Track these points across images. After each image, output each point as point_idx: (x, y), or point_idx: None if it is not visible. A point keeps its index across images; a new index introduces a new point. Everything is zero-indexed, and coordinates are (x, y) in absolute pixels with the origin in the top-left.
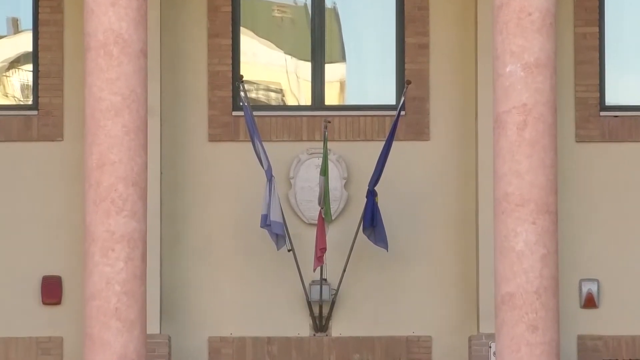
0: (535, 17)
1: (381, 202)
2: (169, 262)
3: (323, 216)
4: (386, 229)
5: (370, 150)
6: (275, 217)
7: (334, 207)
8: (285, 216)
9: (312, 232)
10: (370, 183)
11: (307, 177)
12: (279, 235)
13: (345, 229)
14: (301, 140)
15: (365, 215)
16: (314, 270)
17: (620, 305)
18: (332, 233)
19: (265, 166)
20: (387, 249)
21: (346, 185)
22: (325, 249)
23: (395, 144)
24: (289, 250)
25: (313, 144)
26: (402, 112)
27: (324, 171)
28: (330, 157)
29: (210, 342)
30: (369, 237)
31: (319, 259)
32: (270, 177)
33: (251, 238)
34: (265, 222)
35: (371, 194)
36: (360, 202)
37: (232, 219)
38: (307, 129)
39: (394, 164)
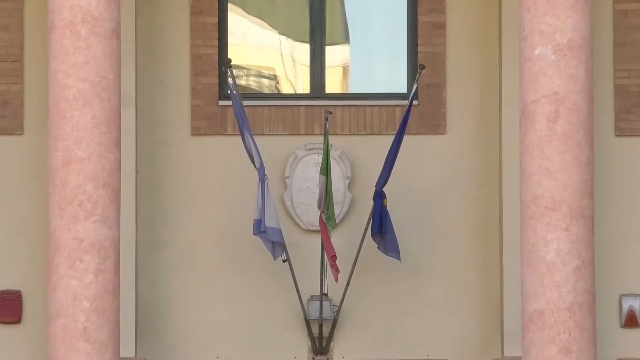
0: None
1: (391, 205)
2: (146, 275)
3: (325, 221)
4: (397, 235)
5: (378, 145)
6: (271, 222)
7: (337, 211)
8: (280, 221)
9: (311, 240)
10: (378, 183)
11: (305, 177)
12: (276, 243)
13: (349, 236)
14: (298, 134)
15: (372, 221)
16: (337, 280)
17: None
18: (334, 241)
19: (257, 164)
20: (399, 259)
21: (350, 186)
22: (335, 256)
23: (406, 139)
24: (284, 261)
25: (312, 139)
26: (415, 102)
27: (325, 170)
28: (332, 153)
29: None
30: (378, 246)
31: (335, 268)
32: (262, 177)
33: (241, 247)
34: (259, 228)
35: (379, 196)
36: (367, 205)
37: (219, 224)
38: (305, 120)
39: (406, 162)
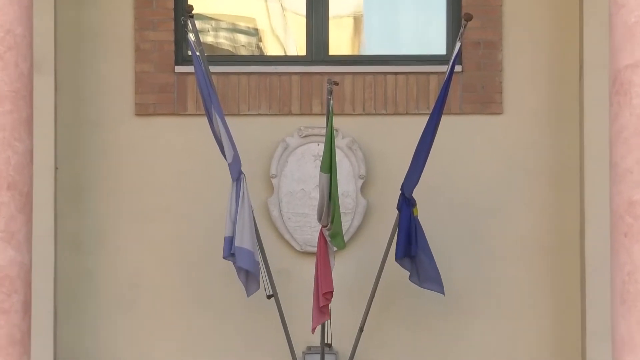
0: None
1: (423, 215)
2: (70, 317)
3: (328, 239)
4: (435, 257)
5: (405, 130)
6: (243, 241)
7: (345, 223)
8: (263, 240)
9: (308, 267)
10: (405, 185)
11: (300, 175)
12: (250, 273)
13: (362, 260)
14: (289, 113)
15: (398, 239)
16: (313, 330)
17: None
18: (341, 267)
19: (230, 157)
20: (442, 292)
21: (365, 189)
22: (331, 293)
23: (445, 121)
24: (269, 297)
25: (309, 120)
26: (458, 68)
27: (328, 166)
28: (338, 142)
29: None
30: (410, 276)
31: (322, 312)
32: (237, 176)
33: (208, 276)
34: (230, 249)
35: (407, 204)
36: (388, 215)
37: (175, 244)
38: (300, 95)
39: (444, 154)
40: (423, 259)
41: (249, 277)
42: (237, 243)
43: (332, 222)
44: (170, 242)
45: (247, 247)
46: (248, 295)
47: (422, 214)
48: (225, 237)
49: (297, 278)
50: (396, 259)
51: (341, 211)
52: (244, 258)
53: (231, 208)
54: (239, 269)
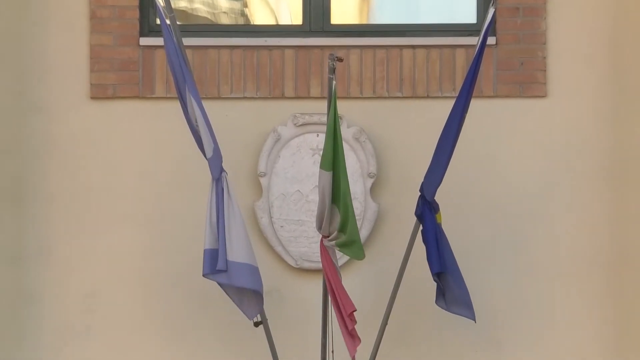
0: None
1: (448, 223)
2: (5, 346)
3: (335, 249)
4: (464, 276)
5: (424, 118)
6: (237, 255)
7: None
8: (251, 252)
9: (306, 286)
10: (425, 186)
11: (294, 174)
12: (251, 292)
13: (372, 277)
14: (282, 97)
15: (429, 251)
16: (353, 358)
17: None
18: (347, 287)
19: (209, 152)
20: (472, 317)
21: (375, 190)
22: (354, 319)
23: (475, 105)
24: (256, 325)
25: (306, 105)
26: (491, 40)
27: (330, 162)
28: (343, 132)
29: None
30: (437, 300)
31: (352, 335)
32: (218, 175)
33: (177, 296)
34: (212, 266)
35: (428, 209)
36: (404, 222)
37: (138, 256)
38: (295, 74)
39: (474, 148)
40: (448, 278)
41: (244, 295)
42: (229, 257)
43: (341, 229)
44: (133, 257)
45: (243, 261)
46: (251, 318)
47: (447, 221)
48: (204, 251)
49: (291, 301)
50: (433, 274)
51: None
52: (243, 274)
53: (211, 213)
54: (228, 288)
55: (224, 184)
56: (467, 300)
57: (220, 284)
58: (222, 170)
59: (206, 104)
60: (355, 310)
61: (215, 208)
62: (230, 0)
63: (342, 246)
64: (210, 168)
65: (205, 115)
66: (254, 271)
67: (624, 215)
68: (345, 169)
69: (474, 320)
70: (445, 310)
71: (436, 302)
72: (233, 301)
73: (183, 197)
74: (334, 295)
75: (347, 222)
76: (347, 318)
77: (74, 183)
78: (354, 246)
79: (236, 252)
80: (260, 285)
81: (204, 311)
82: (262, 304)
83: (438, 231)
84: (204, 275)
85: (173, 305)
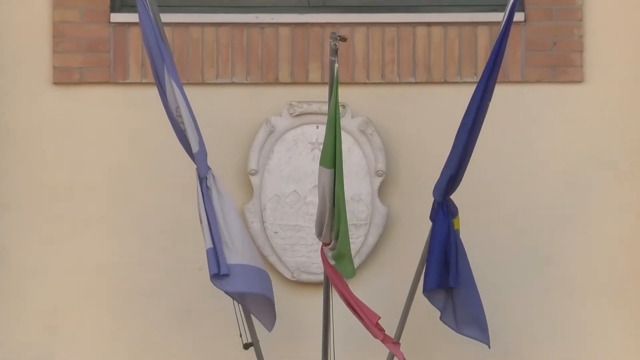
0: None
1: (466, 230)
2: None
3: (331, 262)
4: (482, 291)
5: (440, 107)
6: (241, 256)
7: (357, 240)
8: (257, 254)
9: (303, 301)
10: (439, 188)
11: (290, 172)
12: (270, 298)
13: (381, 291)
14: (276, 82)
15: (429, 261)
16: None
17: None
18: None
19: (195, 146)
20: (486, 342)
21: (383, 190)
22: (382, 329)
23: (501, 92)
24: (246, 347)
25: (304, 92)
26: (519, 16)
27: (332, 157)
28: (346, 123)
29: None
30: (443, 317)
31: (392, 341)
32: (205, 173)
33: (156, 311)
34: (218, 268)
35: (444, 213)
36: (418, 228)
37: (109, 266)
38: (291, 56)
39: (498, 141)
40: (463, 293)
41: (260, 304)
42: (230, 260)
43: (335, 238)
44: (102, 267)
45: (246, 263)
46: (270, 329)
47: (466, 227)
48: (207, 250)
49: (286, 318)
50: (424, 292)
51: (350, 222)
52: (252, 278)
53: (201, 214)
54: (241, 298)
55: (211, 182)
56: (481, 321)
57: (229, 294)
58: (207, 167)
59: (188, 91)
60: (380, 318)
61: (204, 208)
62: None
63: (334, 259)
64: (196, 165)
65: (187, 103)
66: (262, 275)
67: (632, 202)
68: (342, 165)
69: (488, 345)
70: (454, 330)
71: (442, 318)
72: (251, 312)
73: (161, 198)
74: (352, 308)
75: (339, 230)
76: (375, 329)
77: (33, 182)
78: (343, 260)
79: (240, 253)
80: (271, 290)
81: (184, 330)
82: (273, 308)
83: (454, 239)
84: (211, 280)
85: (148, 323)
